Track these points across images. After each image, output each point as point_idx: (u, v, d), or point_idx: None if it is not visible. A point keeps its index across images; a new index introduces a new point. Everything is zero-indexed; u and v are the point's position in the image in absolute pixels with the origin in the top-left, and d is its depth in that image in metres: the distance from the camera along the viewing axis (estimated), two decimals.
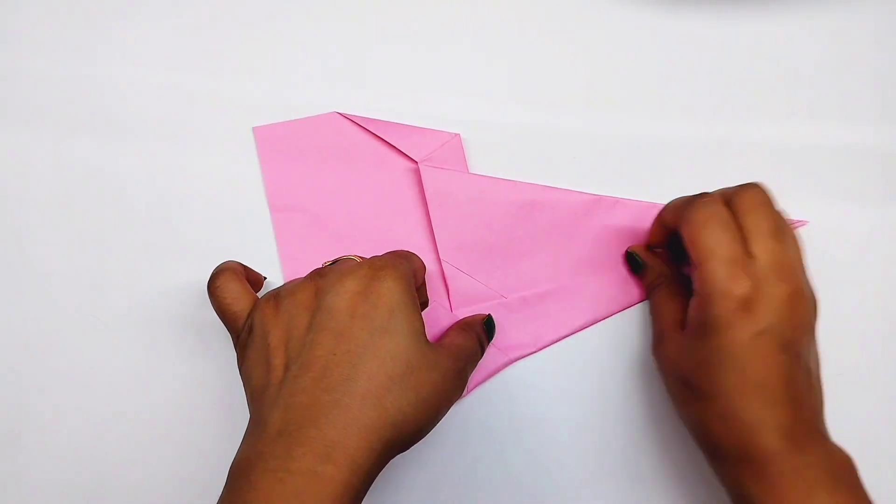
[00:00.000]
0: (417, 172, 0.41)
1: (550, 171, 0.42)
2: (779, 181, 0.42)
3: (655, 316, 0.38)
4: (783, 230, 0.34)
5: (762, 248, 0.33)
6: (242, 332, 0.33)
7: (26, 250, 0.41)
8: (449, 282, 0.40)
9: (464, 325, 0.37)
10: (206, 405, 0.40)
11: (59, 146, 0.41)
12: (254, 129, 0.41)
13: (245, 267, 0.37)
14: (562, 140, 0.42)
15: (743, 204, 0.34)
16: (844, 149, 0.42)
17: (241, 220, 0.41)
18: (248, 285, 0.35)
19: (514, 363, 0.40)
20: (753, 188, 0.34)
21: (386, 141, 0.41)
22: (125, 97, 0.42)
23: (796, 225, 0.42)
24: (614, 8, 0.43)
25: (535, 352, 0.41)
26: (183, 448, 0.39)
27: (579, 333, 0.41)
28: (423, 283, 0.38)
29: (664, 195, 0.41)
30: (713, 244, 0.33)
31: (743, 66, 0.43)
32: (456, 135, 0.42)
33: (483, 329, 0.38)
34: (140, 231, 0.41)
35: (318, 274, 0.33)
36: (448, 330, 0.37)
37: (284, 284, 0.34)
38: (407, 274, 0.33)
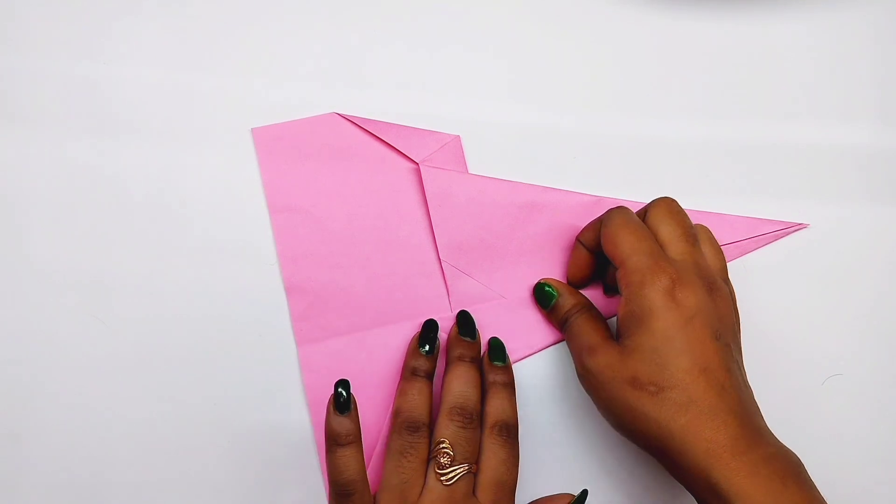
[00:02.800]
0: (417, 173, 0.41)
1: (550, 172, 0.42)
2: (779, 181, 0.42)
3: (578, 338, 0.36)
4: (695, 236, 0.36)
5: (676, 250, 0.35)
6: None
7: (26, 250, 0.41)
8: (449, 282, 0.40)
9: None
10: (206, 405, 0.40)
11: (58, 146, 0.41)
12: (252, 130, 0.41)
13: None
14: (562, 140, 0.42)
15: (656, 216, 0.36)
16: (844, 149, 0.42)
17: (240, 220, 0.41)
18: None
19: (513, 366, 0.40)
20: (664, 200, 0.36)
21: (385, 142, 0.41)
22: (125, 97, 0.42)
23: (796, 228, 0.42)
24: (614, 8, 0.43)
25: (535, 353, 0.41)
26: (183, 448, 0.40)
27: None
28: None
29: (664, 195, 0.41)
30: (633, 241, 0.34)
31: (742, 65, 0.43)
32: (456, 136, 0.42)
33: None
34: (139, 231, 0.41)
35: None
36: None
37: None
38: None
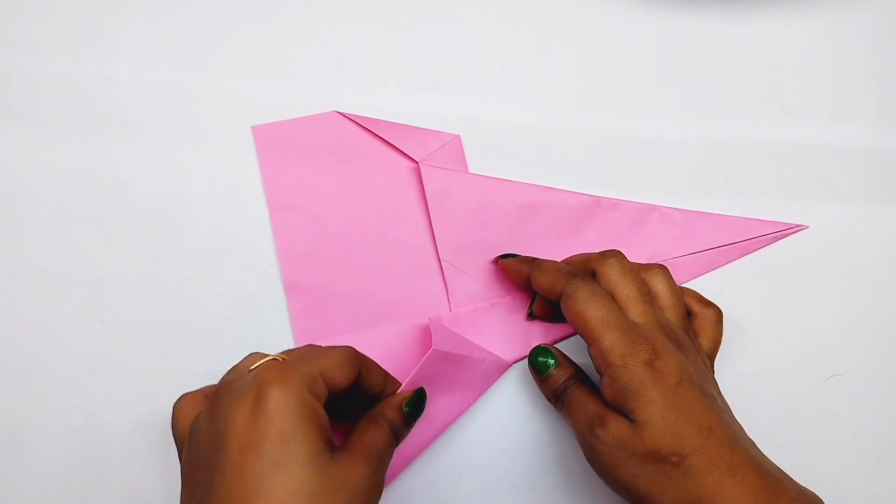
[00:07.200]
0: (417, 172, 0.41)
1: (550, 172, 0.42)
2: (779, 181, 0.42)
3: (582, 410, 0.34)
4: (649, 294, 0.36)
5: (636, 312, 0.35)
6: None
7: (26, 250, 0.41)
8: (448, 282, 0.40)
9: (374, 416, 0.34)
10: None
11: (58, 146, 0.41)
12: (253, 128, 0.41)
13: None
14: (561, 140, 0.42)
15: (610, 277, 0.35)
16: (844, 149, 0.42)
17: (240, 219, 0.41)
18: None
19: (512, 366, 0.41)
20: (615, 259, 0.36)
21: (386, 140, 0.41)
22: (125, 97, 0.42)
23: (794, 230, 0.42)
24: (614, 8, 0.43)
25: None
26: None
27: (577, 335, 0.41)
28: (366, 369, 0.34)
29: (664, 196, 0.41)
30: (604, 316, 0.33)
31: (742, 66, 0.43)
32: (456, 136, 0.42)
33: (400, 413, 0.35)
34: (139, 231, 0.41)
35: (215, 395, 0.31)
36: (359, 423, 0.34)
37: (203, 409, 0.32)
38: (303, 380, 0.30)
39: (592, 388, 0.36)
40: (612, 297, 0.35)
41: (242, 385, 0.30)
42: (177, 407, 0.33)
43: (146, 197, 0.41)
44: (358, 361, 0.34)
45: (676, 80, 0.43)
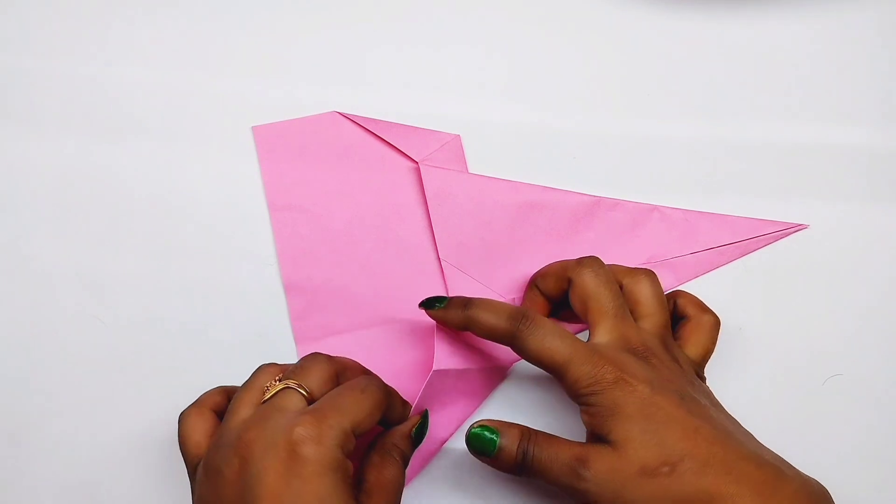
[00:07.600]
0: (417, 172, 0.41)
1: (550, 172, 0.42)
2: (779, 181, 0.42)
3: (556, 461, 0.32)
4: (622, 305, 0.35)
5: (606, 326, 0.34)
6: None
7: (26, 250, 0.41)
8: (448, 282, 0.40)
9: (387, 448, 0.34)
10: None
11: (59, 146, 0.41)
12: (253, 128, 0.41)
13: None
14: (561, 140, 0.42)
15: (585, 287, 0.35)
16: (844, 149, 0.42)
17: (240, 219, 0.41)
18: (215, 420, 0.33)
19: (513, 366, 0.41)
20: (592, 268, 0.36)
21: (386, 141, 0.41)
22: (125, 97, 0.42)
23: (794, 230, 0.42)
24: (614, 8, 0.43)
25: None
26: None
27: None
28: (390, 407, 0.34)
29: (664, 196, 0.41)
30: (563, 353, 0.33)
31: (742, 65, 0.43)
32: (456, 136, 0.42)
33: (409, 441, 0.35)
34: (140, 231, 0.41)
35: (243, 440, 0.30)
36: (369, 460, 0.33)
37: (211, 449, 0.32)
38: (337, 440, 0.30)
39: (549, 436, 0.34)
40: (562, 329, 0.34)
41: (275, 435, 0.30)
42: (184, 423, 0.33)
43: (146, 197, 0.41)
44: (387, 401, 0.33)
45: (677, 80, 0.43)
